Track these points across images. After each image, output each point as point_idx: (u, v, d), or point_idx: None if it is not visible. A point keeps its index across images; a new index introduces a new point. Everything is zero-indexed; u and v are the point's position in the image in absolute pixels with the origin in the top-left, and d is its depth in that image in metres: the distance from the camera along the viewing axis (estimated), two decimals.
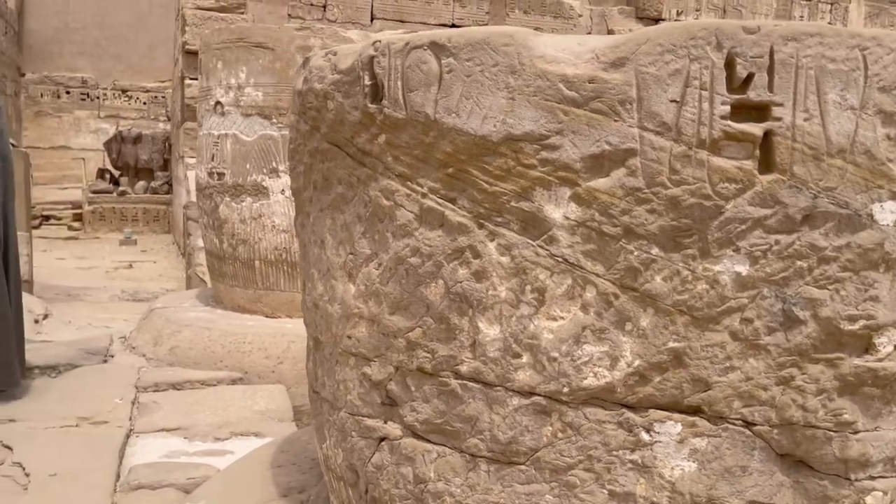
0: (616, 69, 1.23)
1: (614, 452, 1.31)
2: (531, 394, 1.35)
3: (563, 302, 1.31)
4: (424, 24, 10.06)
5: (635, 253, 1.26)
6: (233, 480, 2.25)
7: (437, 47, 1.35)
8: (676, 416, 1.29)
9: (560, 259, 1.29)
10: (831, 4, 15.97)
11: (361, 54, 1.46)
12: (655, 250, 1.25)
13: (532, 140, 1.28)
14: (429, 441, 1.46)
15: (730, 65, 1.20)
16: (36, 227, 12.61)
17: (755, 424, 1.29)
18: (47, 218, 13.30)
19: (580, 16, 11.13)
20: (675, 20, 11.18)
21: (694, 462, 1.30)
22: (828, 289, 1.24)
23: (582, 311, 1.30)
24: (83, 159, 15.30)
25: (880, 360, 1.27)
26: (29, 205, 7.34)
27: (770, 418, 1.28)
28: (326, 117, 1.58)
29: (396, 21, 10.08)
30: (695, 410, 1.30)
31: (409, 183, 1.42)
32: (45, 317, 6.42)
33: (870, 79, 1.21)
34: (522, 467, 1.37)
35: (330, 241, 1.64)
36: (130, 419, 3.38)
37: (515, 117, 1.28)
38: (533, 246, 1.31)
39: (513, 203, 1.31)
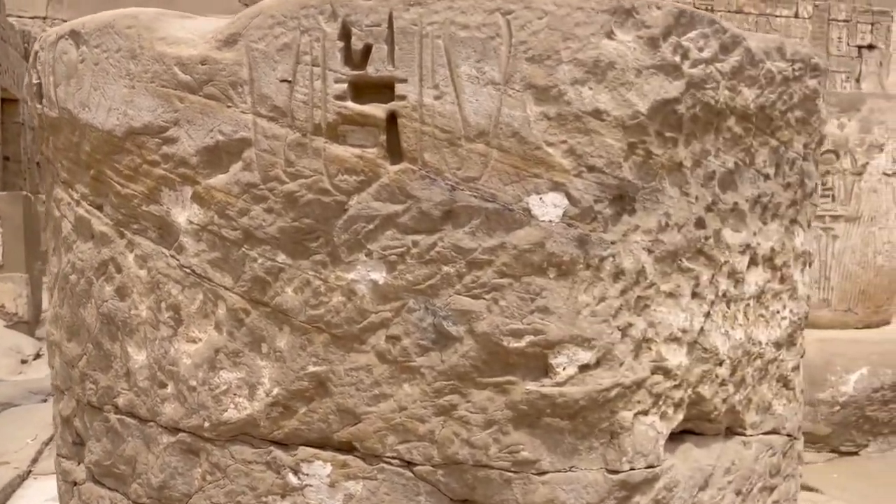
0: (229, 47, 1.06)
1: (263, 498, 1.11)
2: (177, 430, 1.16)
3: (200, 321, 1.12)
4: None
5: (259, 261, 1.07)
6: None
7: (75, 35, 1.19)
8: (326, 454, 1.09)
9: (189, 270, 1.11)
10: (871, 25, 15.39)
11: (33, 51, 1.33)
12: (282, 257, 1.06)
13: (152, 133, 1.11)
14: (104, 486, 1.28)
15: (347, 36, 1.02)
16: None
17: (416, 464, 1.07)
18: None
19: None
20: None
21: None
22: (483, 298, 1.03)
23: (216, 330, 1.11)
24: None
25: (559, 384, 1.04)
26: (30, 246, 7.44)
27: (432, 456, 1.06)
28: (34, 124, 1.45)
29: None
30: (348, 448, 1.09)
31: (70, 190, 1.27)
32: (36, 357, 6.45)
33: (514, 48, 1.00)
34: None
35: (51, 260, 1.50)
36: (34, 461, 3.27)
37: (135, 108, 1.12)
38: (166, 256, 1.13)
39: (144, 207, 1.14)
